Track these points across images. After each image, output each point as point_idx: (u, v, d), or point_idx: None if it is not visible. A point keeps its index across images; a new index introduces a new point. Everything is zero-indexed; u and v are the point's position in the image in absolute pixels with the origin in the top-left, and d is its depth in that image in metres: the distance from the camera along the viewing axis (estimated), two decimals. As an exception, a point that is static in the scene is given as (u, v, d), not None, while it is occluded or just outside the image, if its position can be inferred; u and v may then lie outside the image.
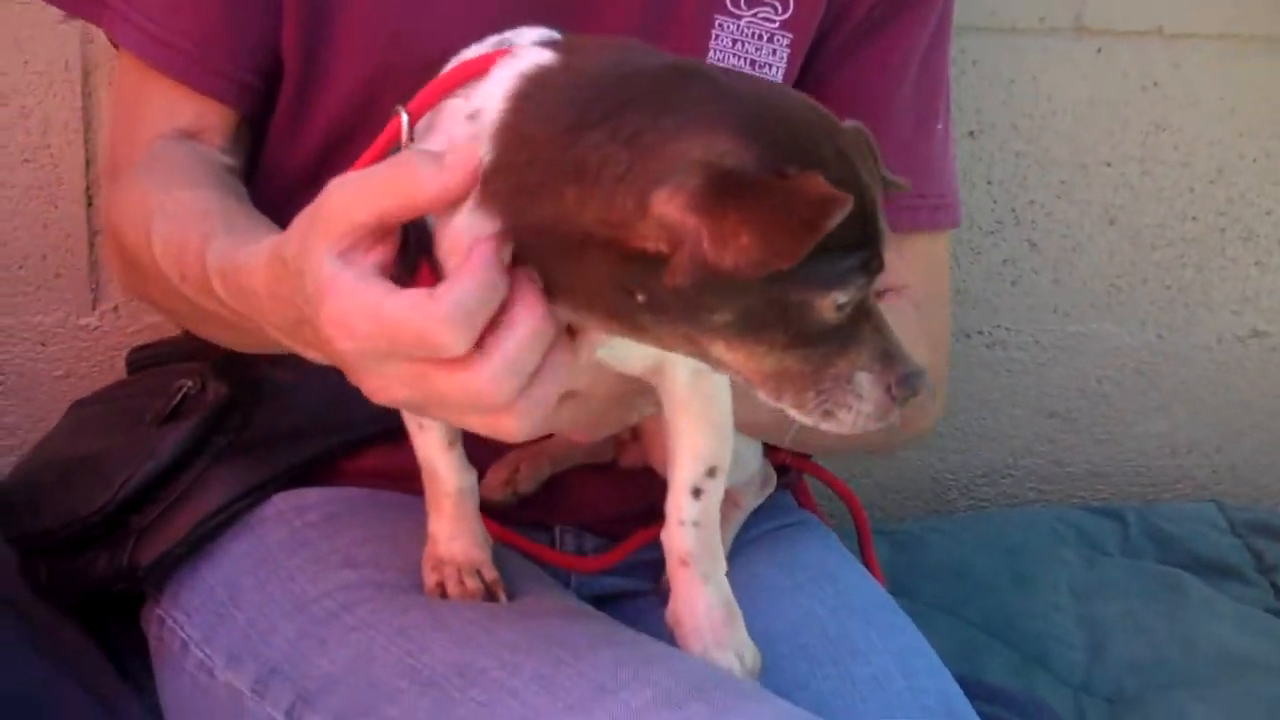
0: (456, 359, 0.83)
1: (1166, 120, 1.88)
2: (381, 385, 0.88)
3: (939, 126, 1.39)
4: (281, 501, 1.26)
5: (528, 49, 0.91)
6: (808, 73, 1.31)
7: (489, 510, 1.16)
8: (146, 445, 1.27)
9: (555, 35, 0.95)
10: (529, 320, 0.84)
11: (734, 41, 1.27)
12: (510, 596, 1.12)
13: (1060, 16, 1.80)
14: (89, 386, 1.61)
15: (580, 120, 0.83)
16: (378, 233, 0.86)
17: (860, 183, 0.83)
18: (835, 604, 1.25)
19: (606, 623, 1.11)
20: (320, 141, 1.26)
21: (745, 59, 1.27)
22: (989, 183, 1.87)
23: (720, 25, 1.26)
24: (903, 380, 0.86)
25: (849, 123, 0.88)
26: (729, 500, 1.30)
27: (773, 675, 1.15)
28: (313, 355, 0.97)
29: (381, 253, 0.86)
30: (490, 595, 1.11)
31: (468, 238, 0.85)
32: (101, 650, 1.38)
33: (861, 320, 0.86)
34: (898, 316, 1.29)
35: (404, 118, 0.92)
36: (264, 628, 1.16)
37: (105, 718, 1.30)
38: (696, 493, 1.04)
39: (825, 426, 0.86)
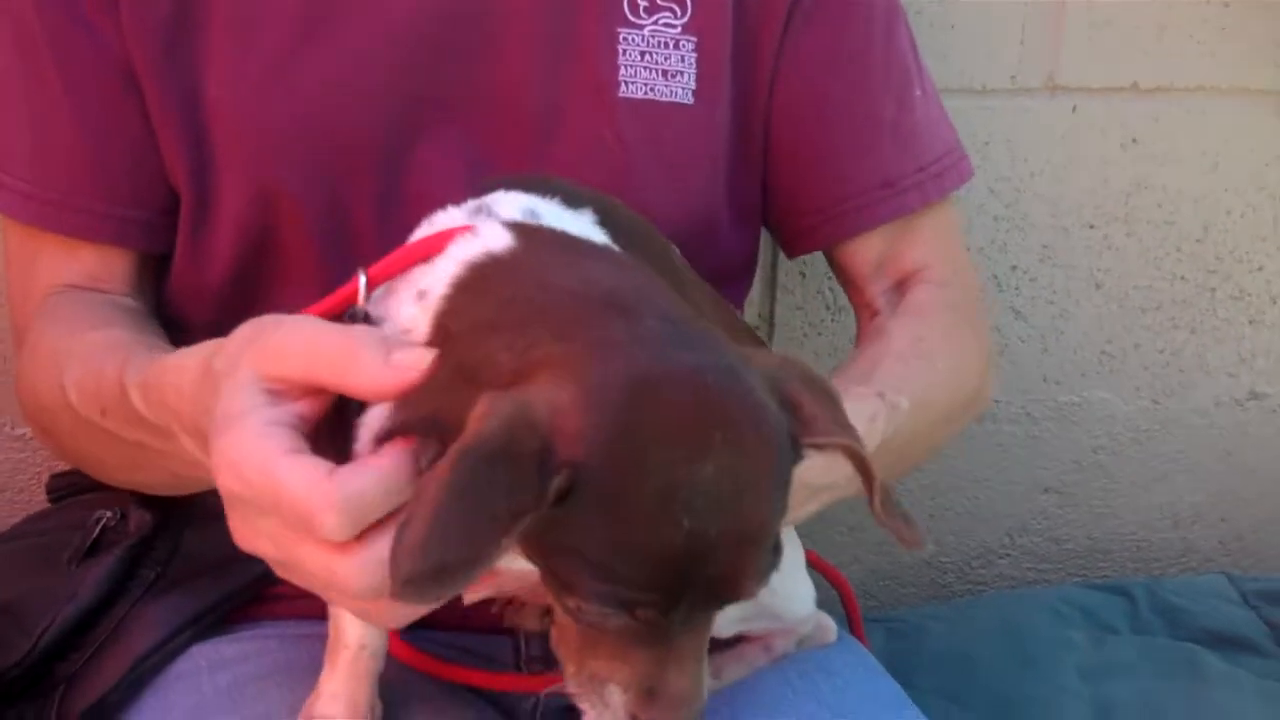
0: (331, 542, 0.79)
1: (1148, 178, 1.82)
2: (248, 534, 0.84)
3: (916, 93, 1.34)
4: (199, 654, 1.17)
5: (488, 229, 0.89)
6: (777, 83, 1.26)
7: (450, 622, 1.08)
8: (66, 587, 1.18)
9: (534, 206, 0.94)
10: (390, 482, 0.80)
11: (642, 54, 1.21)
12: None
13: (1032, 75, 1.74)
14: (24, 500, 1.59)
15: (494, 321, 0.81)
16: (309, 390, 0.83)
17: (670, 526, 0.74)
18: (834, 703, 1.16)
19: None
20: (228, 261, 1.20)
21: (657, 70, 1.22)
22: (969, 249, 1.79)
23: (625, 38, 1.21)
24: None
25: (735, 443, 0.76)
26: (758, 643, 1.22)
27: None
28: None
29: (309, 405, 0.84)
30: None
31: (381, 421, 0.84)
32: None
33: (652, 645, 0.78)
34: (930, 329, 1.26)
35: (362, 281, 0.91)
36: None
37: None
38: None
39: (579, 705, 0.82)
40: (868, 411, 1.01)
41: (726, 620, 1.16)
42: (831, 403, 0.81)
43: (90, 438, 1.08)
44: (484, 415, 0.75)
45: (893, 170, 1.30)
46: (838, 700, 1.15)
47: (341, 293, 0.92)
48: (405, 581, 0.72)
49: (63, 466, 1.37)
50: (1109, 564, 1.99)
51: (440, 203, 1.15)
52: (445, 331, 0.84)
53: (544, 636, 1.19)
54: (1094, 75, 1.76)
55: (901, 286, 1.31)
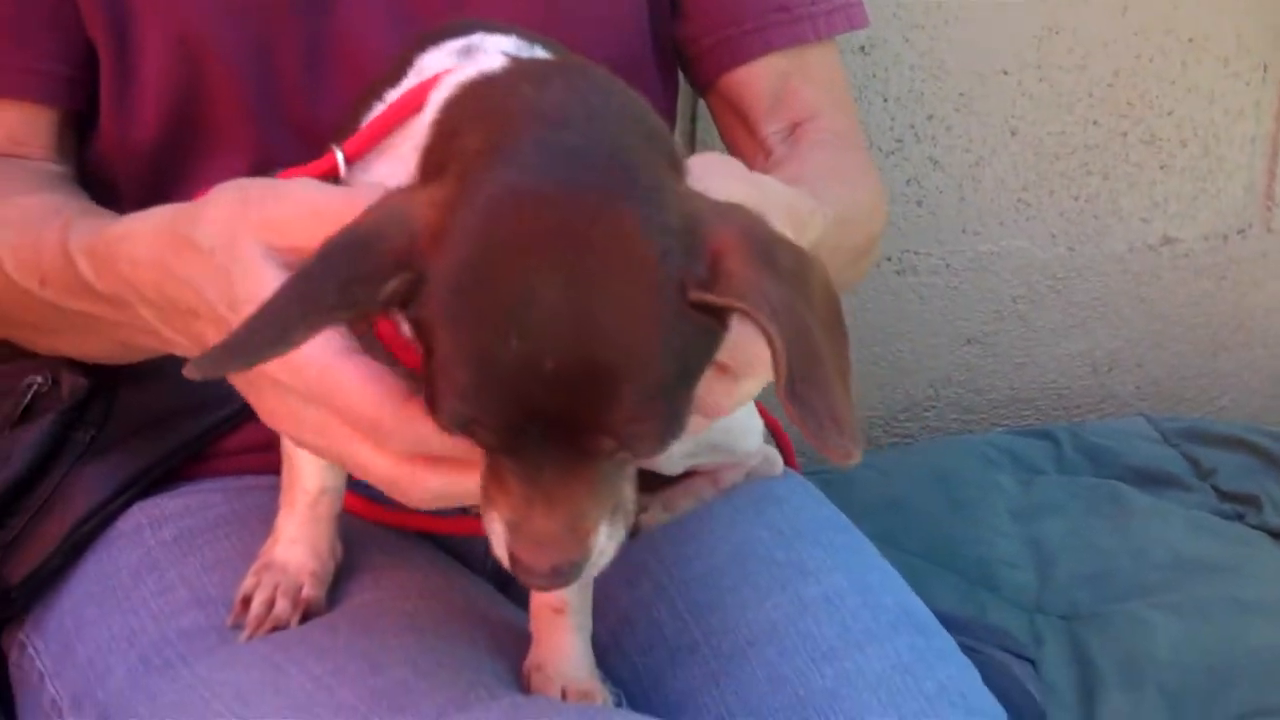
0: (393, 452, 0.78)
1: (1059, 22, 1.82)
2: (284, 415, 0.83)
3: None
4: (139, 513, 1.14)
5: (485, 57, 0.86)
6: None
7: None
8: None
9: (529, 48, 0.91)
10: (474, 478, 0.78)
11: None
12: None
13: (945, -81, 1.73)
14: None
15: (460, 126, 0.79)
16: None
17: (498, 343, 0.70)
18: (782, 526, 1.16)
19: (474, 661, 0.99)
20: (155, 118, 1.16)
21: None
22: (885, 100, 1.79)
23: None
24: (513, 563, 0.76)
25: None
26: (706, 476, 1.21)
27: (717, 609, 1.09)
28: (184, 347, 0.90)
29: None
30: (304, 619, 1.01)
31: None
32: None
33: (524, 479, 0.74)
34: (842, 161, 1.24)
35: (339, 155, 0.90)
36: (101, 668, 1.05)
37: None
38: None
39: None
40: (806, 206, 0.96)
41: (673, 457, 1.16)
42: (768, 267, 0.72)
43: (26, 306, 1.04)
44: (372, 208, 0.74)
45: None
46: (788, 524, 1.16)
47: (317, 165, 0.90)
48: (204, 354, 0.72)
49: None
50: (1032, 412, 2.01)
51: (368, 52, 1.13)
52: (427, 152, 0.81)
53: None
54: (1005, -82, 1.75)
55: (796, 131, 1.30)
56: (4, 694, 1.19)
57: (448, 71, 0.87)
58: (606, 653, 1.06)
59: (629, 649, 1.10)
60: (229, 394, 1.14)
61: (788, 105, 1.30)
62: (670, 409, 0.73)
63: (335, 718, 0.91)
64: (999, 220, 1.90)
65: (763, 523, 1.16)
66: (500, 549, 0.76)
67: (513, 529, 0.75)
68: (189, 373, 0.72)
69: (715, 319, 0.73)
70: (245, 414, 1.16)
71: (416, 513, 1.12)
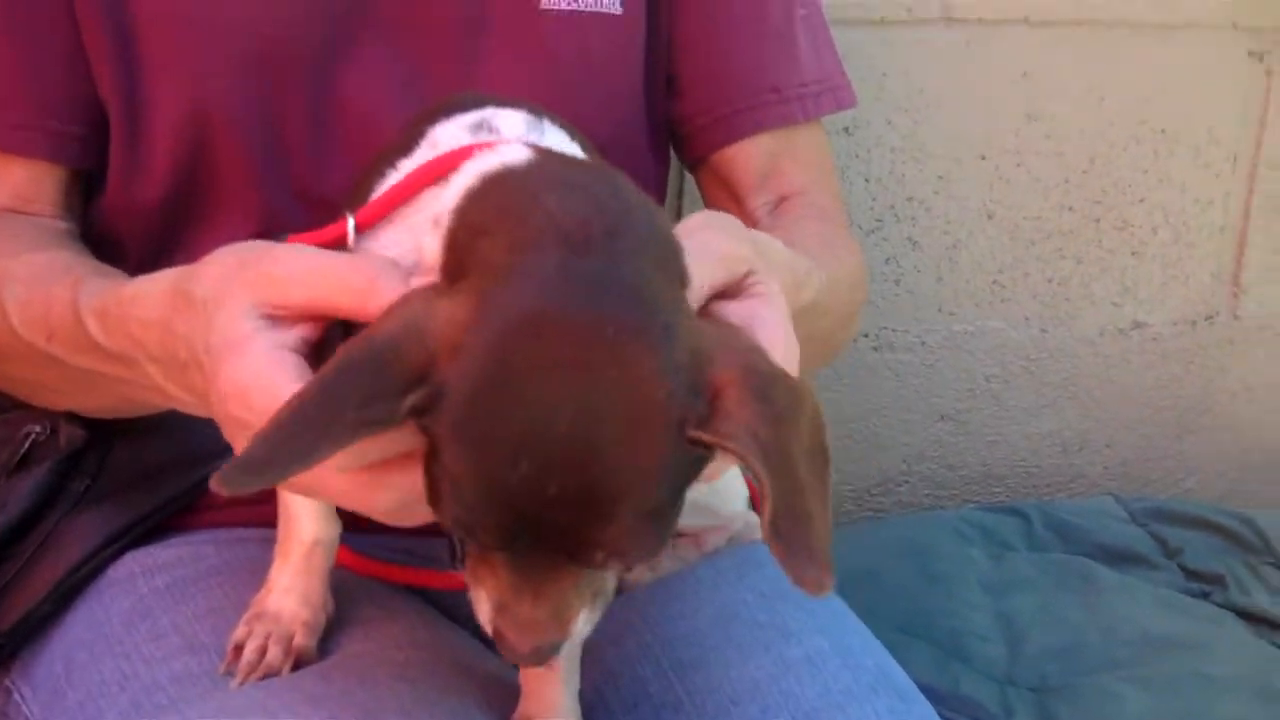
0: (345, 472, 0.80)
1: (1038, 110, 1.87)
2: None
3: (800, 11, 1.36)
4: (132, 561, 1.16)
5: (509, 148, 0.86)
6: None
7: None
8: None
9: (534, 122, 0.93)
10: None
11: None
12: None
13: (928, 7, 1.78)
14: None
15: (485, 225, 0.80)
16: (310, 315, 0.83)
17: (507, 466, 0.73)
18: (765, 589, 1.17)
19: (465, 712, 1.02)
20: (162, 178, 1.19)
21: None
22: (867, 180, 1.84)
23: None
24: (497, 638, 0.80)
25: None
26: (690, 538, 1.25)
27: (700, 667, 1.11)
28: (187, 403, 0.92)
29: (310, 329, 0.83)
30: (295, 667, 1.02)
31: None
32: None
33: (515, 567, 0.78)
34: (832, 232, 1.28)
35: (350, 224, 0.90)
36: (91, 712, 1.06)
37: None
38: None
39: None
40: (803, 266, 1.01)
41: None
42: (763, 406, 0.76)
43: (31, 361, 1.06)
44: (389, 314, 0.77)
45: (780, 78, 1.34)
46: (770, 587, 1.17)
47: (327, 232, 0.91)
48: (224, 471, 0.73)
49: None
50: (1002, 489, 2.05)
51: (374, 120, 1.16)
52: (449, 244, 0.82)
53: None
54: (987, 7, 1.81)
55: (782, 205, 1.34)
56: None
57: (465, 150, 0.88)
58: (592, 709, 1.08)
59: (614, 705, 1.11)
60: (222, 449, 1.17)
61: (774, 181, 1.34)
62: (660, 526, 0.78)
63: None
64: (974, 301, 1.94)
65: (746, 585, 1.18)
66: (485, 623, 0.80)
67: (499, 610, 0.79)
68: (216, 487, 0.73)
69: (707, 449, 0.77)
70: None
71: (405, 567, 1.15)
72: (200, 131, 1.16)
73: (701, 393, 0.76)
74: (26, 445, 1.17)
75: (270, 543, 1.09)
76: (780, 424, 0.76)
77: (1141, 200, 1.96)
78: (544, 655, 0.81)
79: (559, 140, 0.93)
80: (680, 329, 0.77)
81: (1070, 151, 1.91)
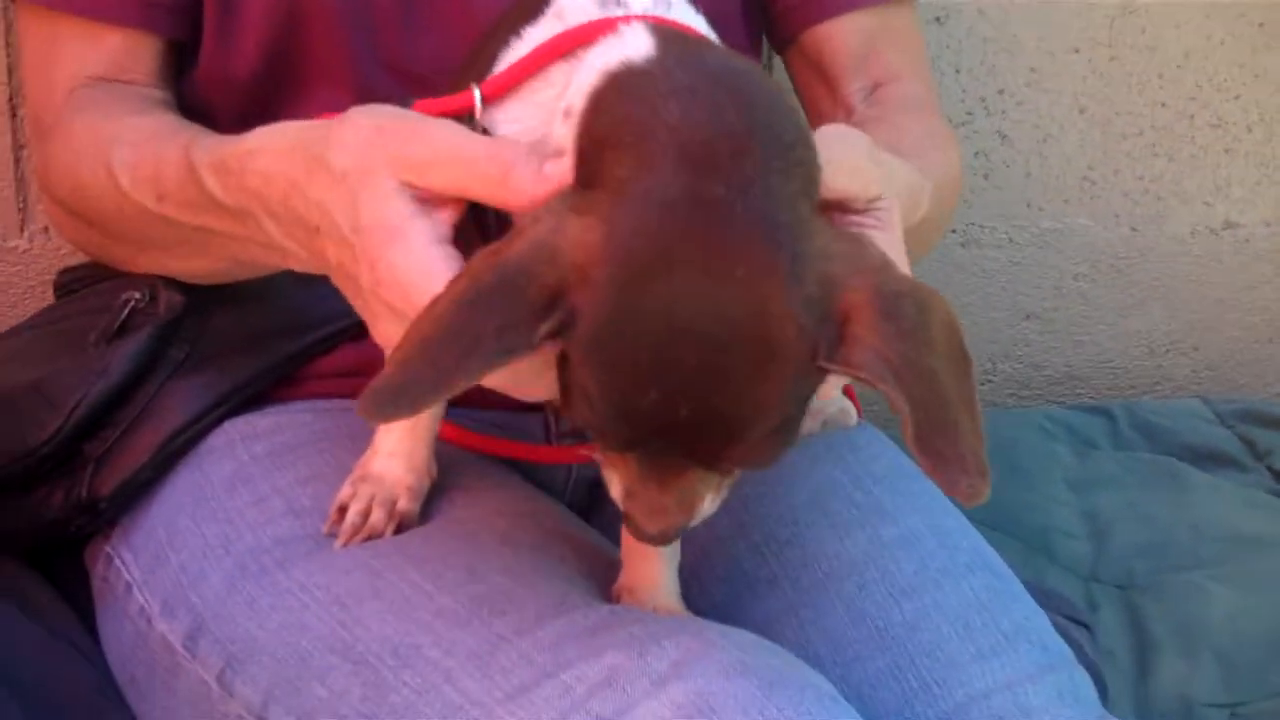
0: None
1: (1132, 3, 1.83)
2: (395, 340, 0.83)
3: None
4: (231, 429, 1.17)
5: (632, 33, 0.85)
6: None
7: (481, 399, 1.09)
8: (96, 364, 1.16)
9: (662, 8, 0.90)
10: None
11: None
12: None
13: (1025, -105, 1.75)
14: (18, 315, 1.52)
15: (608, 138, 0.80)
16: (449, 199, 0.85)
17: (638, 393, 0.75)
18: (859, 472, 1.17)
19: (579, 564, 1.04)
20: (256, 51, 1.19)
21: None
22: (957, 71, 1.81)
23: None
24: (626, 518, 0.83)
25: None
26: None
27: (795, 545, 1.11)
28: (303, 260, 0.93)
29: (452, 214, 0.85)
30: (398, 531, 1.04)
31: None
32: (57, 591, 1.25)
33: (644, 461, 0.80)
34: (935, 124, 1.28)
35: (477, 95, 0.89)
36: (195, 574, 1.07)
37: (75, 664, 1.18)
38: None
39: None
40: (920, 185, 1.01)
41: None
42: (893, 325, 0.76)
43: (139, 222, 1.07)
44: (519, 236, 0.77)
45: None
46: (864, 470, 1.17)
47: (453, 101, 0.90)
48: (365, 397, 0.75)
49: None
50: (1087, 390, 2.03)
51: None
52: (578, 150, 0.82)
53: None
54: (1085, -104, 1.77)
55: (877, 91, 1.32)
56: (86, 608, 1.22)
57: (593, 29, 0.86)
58: (687, 585, 1.08)
59: (708, 581, 1.12)
60: (323, 316, 1.18)
61: (871, 65, 1.32)
62: (786, 437, 0.80)
63: (435, 620, 0.94)
64: (1064, 198, 1.91)
65: (840, 467, 1.18)
66: (617, 499, 0.83)
67: (629, 495, 0.82)
68: (359, 413, 0.76)
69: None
70: (338, 338, 1.19)
71: (506, 440, 1.15)
72: (292, 3, 1.16)
73: (831, 320, 0.76)
74: (126, 312, 1.18)
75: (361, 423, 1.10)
76: (911, 340, 0.76)
77: (1236, 97, 1.92)
78: (669, 537, 0.84)
79: (685, 13, 0.91)
80: (809, 255, 0.77)
81: (1164, 45, 1.87)
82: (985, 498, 0.76)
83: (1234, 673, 1.45)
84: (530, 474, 1.18)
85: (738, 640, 0.90)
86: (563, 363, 0.79)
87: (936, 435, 0.75)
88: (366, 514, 1.02)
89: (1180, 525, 1.65)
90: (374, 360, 1.13)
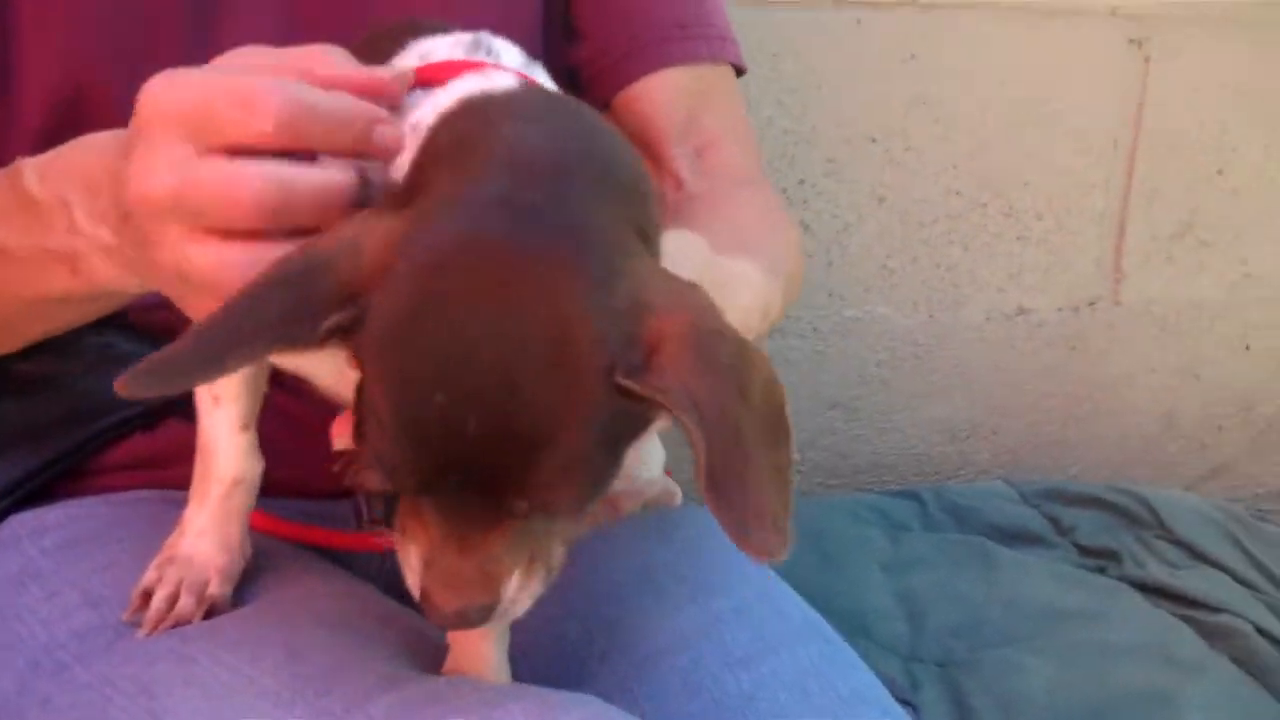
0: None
1: (926, 93, 1.88)
2: (152, 165, 0.78)
3: None
4: (17, 525, 1.09)
5: (499, 75, 0.84)
6: None
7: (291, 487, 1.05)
8: None
9: (532, 63, 0.90)
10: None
11: None
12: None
13: (818, -14, 1.79)
14: None
15: (441, 154, 0.78)
16: None
17: (424, 397, 0.69)
18: (685, 548, 1.15)
19: (402, 645, 0.98)
20: (34, 140, 1.11)
21: None
22: (759, 162, 1.82)
23: None
24: (424, 599, 0.76)
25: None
26: (608, 504, 1.20)
27: (625, 622, 1.07)
28: (105, 250, 0.86)
29: None
30: (207, 615, 0.97)
31: None
32: None
33: (443, 519, 0.74)
34: (768, 201, 1.26)
35: None
36: None
37: None
38: None
39: None
40: (772, 290, 1.00)
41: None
42: (704, 364, 0.71)
43: None
44: (336, 229, 0.74)
45: (686, 15, 1.29)
46: (690, 546, 1.15)
47: None
48: (128, 374, 0.70)
49: None
50: (893, 477, 2.04)
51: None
52: (416, 162, 0.80)
53: (386, 498, 1.16)
54: (876, -12, 1.82)
55: (703, 158, 1.30)
56: None
57: (460, 65, 0.86)
58: (516, 666, 1.04)
59: (538, 663, 1.07)
60: (113, 404, 1.11)
61: (692, 130, 1.28)
62: (588, 479, 0.74)
63: (259, 703, 0.87)
64: (864, 286, 1.94)
65: (666, 544, 1.15)
66: (413, 584, 0.76)
67: (426, 565, 0.75)
68: (120, 389, 0.70)
69: (644, 406, 0.72)
70: (129, 425, 1.13)
71: (317, 527, 1.10)
72: (74, 94, 1.11)
73: (638, 343, 0.71)
74: None
75: (169, 504, 1.04)
76: (721, 381, 0.71)
77: (1026, 184, 1.98)
78: (471, 619, 0.76)
79: (546, 81, 0.90)
80: (624, 272, 0.73)
81: (957, 136, 1.92)
82: (780, 557, 0.70)
83: (1058, 746, 1.45)
84: (344, 563, 1.13)
85: (583, 703, 0.86)
86: (359, 393, 0.74)
87: (731, 482, 0.70)
88: (174, 600, 0.96)
89: (993, 602, 1.67)
90: (168, 451, 1.08)
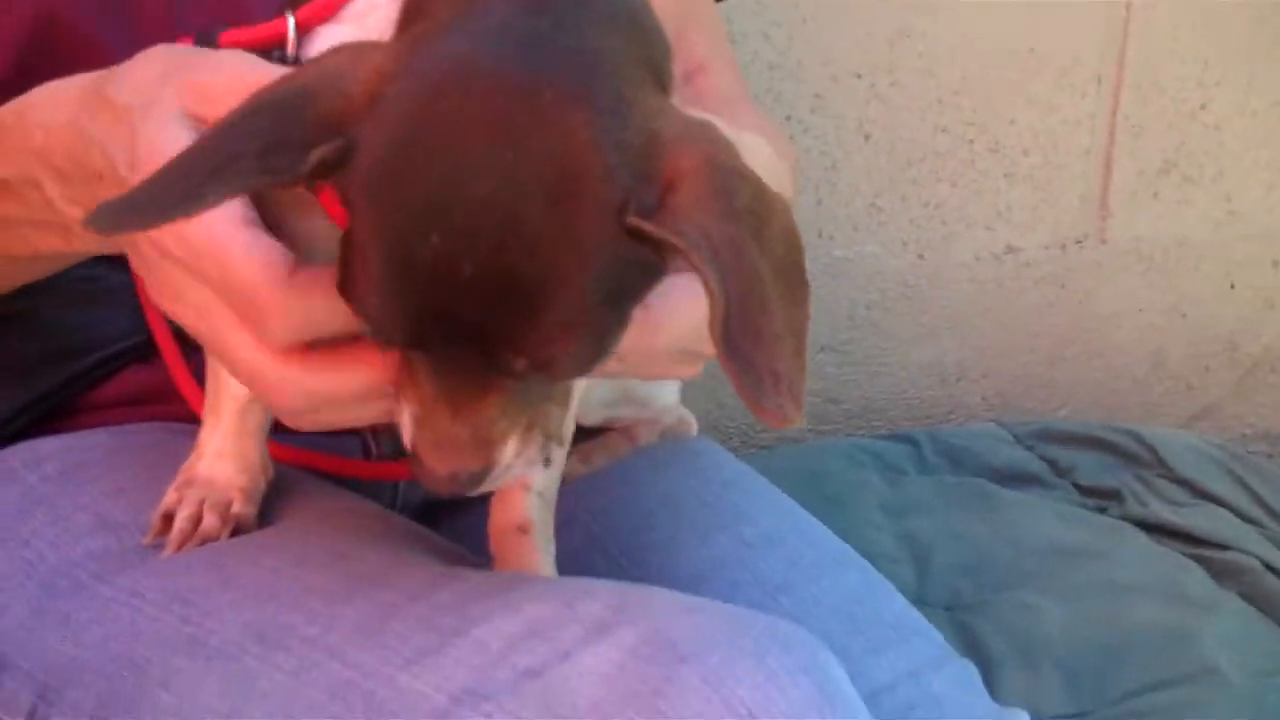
0: (269, 344, 0.71)
1: (909, 26, 1.83)
2: (169, 291, 0.75)
3: None
4: (9, 456, 1.02)
5: None
6: None
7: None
8: None
9: None
10: (361, 379, 0.72)
11: None
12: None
13: (800, -84, 1.73)
14: None
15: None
16: None
17: (417, 236, 0.64)
18: (708, 476, 1.11)
19: (444, 557, 0.91)
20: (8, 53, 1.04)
21: None
22: (745, 98, 1.77)
23: None
24: (414, 460, 0.71)
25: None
26: (623, 432, 1.17)
27: (654, 551, 1.03)
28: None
29: None
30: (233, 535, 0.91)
31: None
32: None
33: (435, 377, 0.68)
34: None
35: (290, 23, 0.81)
36: None
37: None
38: (546, 461, 0.87)
39: None
40: (783, 169, 0.92)
41: (590, 405, 1.10)
42: (722, 204, 0.65)
43: None
44: (315, 60, 0.68)
45: None
46: (713, 474, 1.12)
47: (264, 31, 0.81)
48: (97, 209, 0.64)
49: None
50: (883, 422, 2.00)
51: None
52: (406, 6, 0.73)
53: (395, 434, 1.10)
54: (859, -81, 1.76)
55: (691, 81, 1.25)
56: None
57: None
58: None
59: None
60: (102, 338, 1.05)
61: (681, 48, 1.25)
62: (592, 335, 0.67)
63: (307, 599, 0.82)
64: (853, 225, 1.89)
65: (688, 472, 1.11)
66: (407, 441, 0.71)
67: (418, 424, 0.69)
68: (86, 224, 0.64)
69: (656, 252, 0.66)
70: (120, 360, 1.06)
71: (331, 455, 1.04)
72: (46, 32, 1.03)
73: (653, 180, 0.65)
74: None
75: (173, 434, 0.98)
76: (739, 224, 0.65)
77: (1012, 121, 1.94)
78: (463, 484, 0.70)
79: None
80: (638, 105, 0.67)
81: (941, 71, 1.87)
82: (796, 423, 0.64)
83: (1076, 682, 1.42)
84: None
85: (672, 591, 0.80)
86: (346, 240, 0.67)
87: (747, 338, 0.63)
88: (197, 520, 0.89)
89: (999, 543, 1.63)
90: (164, 385, 1.01)
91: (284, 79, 0.67)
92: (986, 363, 2.04)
